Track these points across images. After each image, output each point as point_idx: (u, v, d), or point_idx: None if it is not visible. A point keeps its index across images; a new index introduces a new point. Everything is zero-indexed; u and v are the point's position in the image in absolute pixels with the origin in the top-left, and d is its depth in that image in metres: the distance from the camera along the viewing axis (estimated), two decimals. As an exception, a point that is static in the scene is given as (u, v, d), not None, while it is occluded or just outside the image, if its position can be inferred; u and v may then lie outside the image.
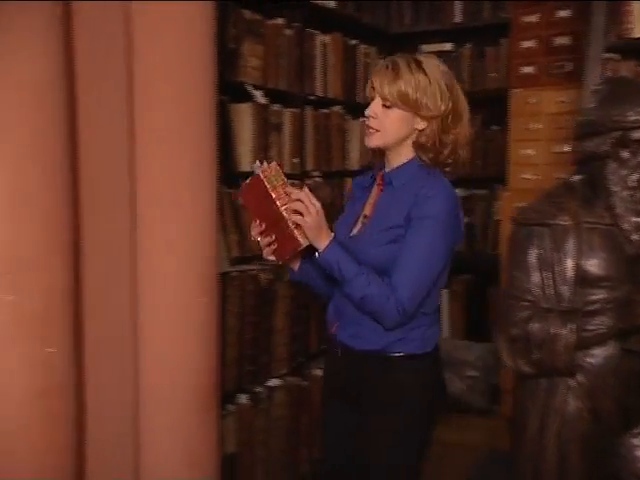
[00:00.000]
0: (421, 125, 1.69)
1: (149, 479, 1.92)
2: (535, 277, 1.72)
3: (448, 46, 3.97)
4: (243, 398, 2.75)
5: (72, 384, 1.64)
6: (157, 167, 1.90)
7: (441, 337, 3.98)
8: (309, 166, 3.25)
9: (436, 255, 1.66)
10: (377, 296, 1.63)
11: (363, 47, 3.61)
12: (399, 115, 1.67)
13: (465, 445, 3.40)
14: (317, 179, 3.30)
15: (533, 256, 1.73)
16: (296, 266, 1.87)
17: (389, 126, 1.69)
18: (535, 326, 1.68)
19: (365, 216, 1.77)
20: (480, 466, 3.22)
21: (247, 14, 2.76)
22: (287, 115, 3.04)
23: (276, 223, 1.65)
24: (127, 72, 1.87)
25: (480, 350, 3.78)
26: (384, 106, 1.68)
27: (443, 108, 1.67)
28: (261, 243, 1.73)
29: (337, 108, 3.43)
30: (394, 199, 1.71)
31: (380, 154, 1.80)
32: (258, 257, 2.89)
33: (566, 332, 1.65)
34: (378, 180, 1.78)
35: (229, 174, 2.65)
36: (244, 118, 2.81)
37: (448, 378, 3.82)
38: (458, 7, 3.91)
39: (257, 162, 1.67)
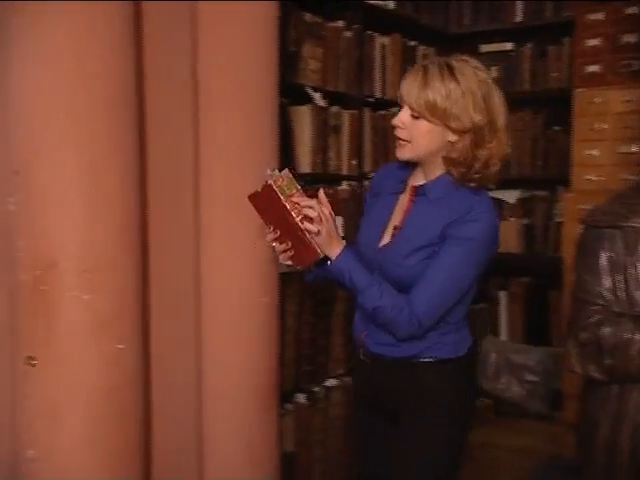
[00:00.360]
0: (453, 138, 1.55)
1: (212, 479, 1.91)
2: (606, 281, 1.64)
3: (508, 46, 3.86)
4: (301, 397, 2.74)
5: (140, 382, 1.65)
6: (220, 167, 1.90)
7: (498, 340, 3.94)
8: (367, 167, 3.21)
9: (464, 277, 1.58)
10: (390, 307, 1.55)
11: (422, 48, 3.55)
12: (428, 127, 1.54)
13: (524, 450, 3.31)
14: (375, 180, 3.27)
15: (604, 259, 1.65)
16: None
17: (419, 138, 1.55)
18: (607, 330, 1.60)
19: (395, 227, 1.66)
20: (540, 472, 3.12)
21: (307, 17, 2.74)
22: (346, 117, 3.01)
23: (292, 232, 1.56)
24: (192, 71, 1.86)
25: (540, 354, 3.67)
26: (412, 116, 1.54)
27: (476, 120, 1.52)
28: (277, 249, 1.62)
29: (395, 109, 3.37)
30: (428, 214, 1.60)
31: (413, 164, 1.66)
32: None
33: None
34: (410, 191, 1.66)
35: (289, 175, 2.64)
36: (303, 120, 2.78)
37: (506, 382, 3.79)
38: (519, 6, 3.80)
39: (268, 170, 1.56)
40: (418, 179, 1.66)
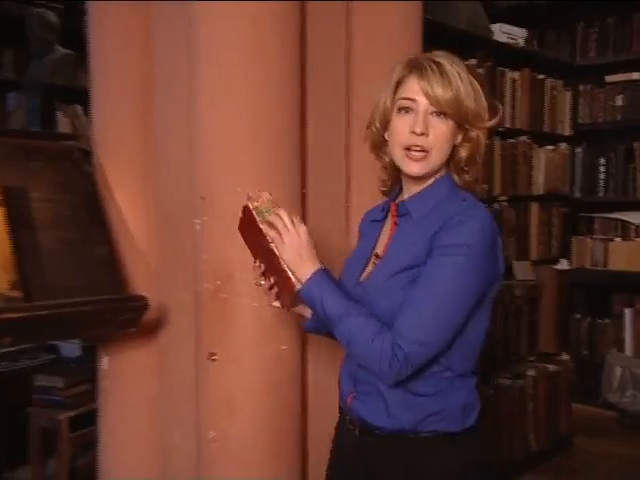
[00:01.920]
0: (458, 139, 1.22)
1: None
2: None
3: (635, 75, 3.65)
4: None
5: (299, 380, 1.68)
6: (371, 179, 1.88)
7: (622, 355, 3.68)
8: (496, 191, 3.15)
9: (462, 292, 1.14)
10: (368, 338, 1.13)
11: (550, 80, 3.43)
12: (451, 128, 1.19)
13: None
14: (503, 203, 3.19)
15: None
16: (308, 312, 1.36)
17: (443, 143, 1.19)
18: None
19: (377, 255, 1.28)
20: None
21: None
22: (477, 145, 2.97)
23: (271, 263, 1.25)
24: (346, 70, 1.83)
25: (666, 370, 3.40)
26: (434, 117, 1.19)
27: (488, 117, 1.23)
28: (263, 287, 1.30)
29: (524, 138, 3.29)
30: (413, 233, 1.21)
31: (394, 180, 1.31)
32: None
33: None
34: (392, 211, 1.28)
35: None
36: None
37: (631, 395, 3.53)
38: (645, 37, 3.59)
39: (249, 193, 1.29)
40: (400, 197, 1.30)
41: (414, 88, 1.18)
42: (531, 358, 3.27)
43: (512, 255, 3.23)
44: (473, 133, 1.21)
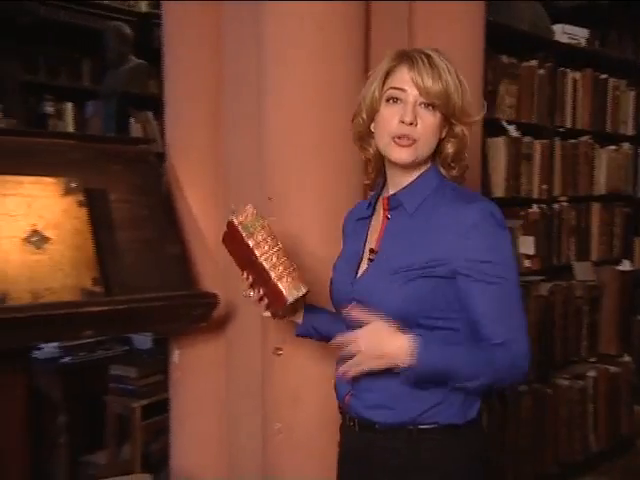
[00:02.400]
0: (443, 134, 1.19)
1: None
2: None
3: (701, 73, 3.47)
4: (493, 400, 2.64)
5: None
6: None
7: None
8: (556, 191, 3.05)
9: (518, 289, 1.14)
10: (504, 372, 1.10)
11: (612, 80, 3.30)
12: (439, 119, 1.16)
13: None
14: (564, 203, 3.10)
15: None
16: (299, 318, 1.34)
17: (430, 134, 1.16)
18: None
19: (372, 251, 1.23)
20: None
21: (504, 58, 2.67)
22: (537, 146, 2.89)
23: (259, 275, 1.22)
24: None
25: None
26: (423, 108, 1.15)
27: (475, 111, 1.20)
28: (252, 298, 1.27)
29: (585, 138, 3.18)
30: (410, 228, 1.17)
31: (378, 173, 1.27)
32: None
33: None
34: (384, 205, 1.24)
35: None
36: (498, 150, 2.72)
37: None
38: None
39: (232, 205, 1.26)
40: (391, 190, 1.24)
41: (404, 78, 1.15)
42: (592, 359, 3.17)
43: (572, 256, 3.13)
44: (458, 128, 1.18)
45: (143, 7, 4.75)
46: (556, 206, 3.03)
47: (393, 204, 1.21)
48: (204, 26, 1.88)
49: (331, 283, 1.28)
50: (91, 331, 1.60)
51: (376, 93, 1.17)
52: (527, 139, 2.83)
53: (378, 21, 1.71)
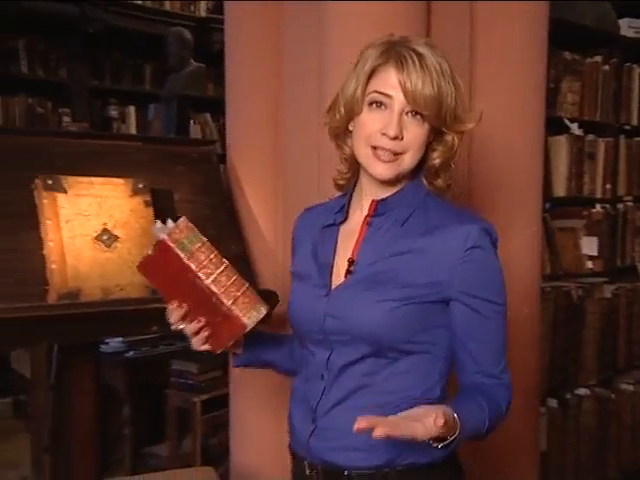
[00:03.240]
0: (430, 140, 1.05)
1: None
2: None
3: None
4: (553, 402, 2.57)
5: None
6: (487, 195, 1.84)
7: None
8: (621, 191, 2.95)
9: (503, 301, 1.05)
10: (498, 412, 1.03)
11: (682, 76, 3.16)
12: (428, 130, 1.02)
13: None
14: (628, 203, 2.98)
15: None
16: (239, 349, 1.17)
17: (416, 148, 1.02)
18: None
19: (351, 261, 1.05)
20: None
21: (567, 55, 2.60)
22: (601, 144, 2.80)
23: (203, 302, 1.02)
24: (470, 70, 1.78)
25: None
26: (410, 118, 1.01)
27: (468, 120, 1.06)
28: (186, 331, 1.06)
29: (655, 136, 3.06)
30: (403, 241, 1.03)
31: (354, 174, 1.11)
32: (570, 275, 2.70)
33: None
34: (369, 210, 1.07)
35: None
36: (560, 148, 2.65)
37: None
38: None
39: (158, 222, 1.03)
40: (367, 199, 1.08)
41: (391, 82, 0.99)
42: (658, 364, 3.04)
43: (637, 257, 3.01)
44: (449, 137, 1.04)
45: (202, 12, 4.85)
46: (620, 206, 2.93)
47: (381, 210, 1.06)
48: (265, 26, 1.89)
49: (291, 300, 1.11)
50: (157, 326, 1.63)
51: (358, 92, 1.02)
52: (590, 137, 2.75)
53: (439, 20, 1.69)
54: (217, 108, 4.14)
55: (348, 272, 1.05)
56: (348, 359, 1.02)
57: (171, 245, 0.99)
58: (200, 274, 1.00)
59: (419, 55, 0.99)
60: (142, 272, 1.06)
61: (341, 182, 1.14)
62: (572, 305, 2.60)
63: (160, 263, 1.02)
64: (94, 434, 1.77)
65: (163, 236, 1.00)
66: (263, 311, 1.04)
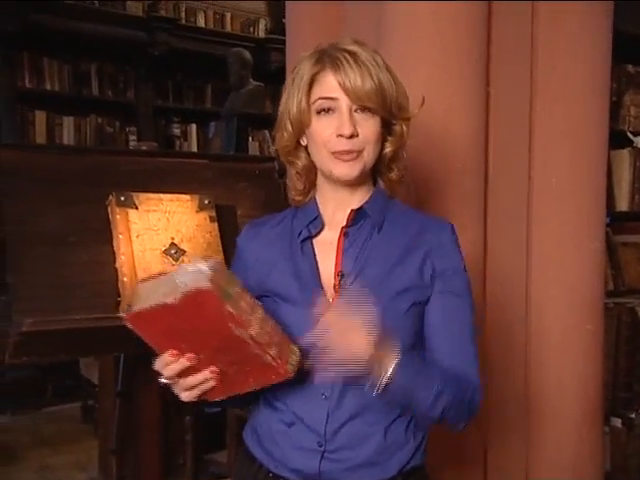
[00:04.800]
0: (389, 133, 1.06)
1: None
2: None
3: None
4: (617, 422, 2.46)
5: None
6: (552, 205, 1.79)
7: None
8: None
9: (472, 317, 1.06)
10: (460, 401, 0.99)
11: None
12: (379, 124, 1.02)
13: None
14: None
15: None
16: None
17: (373, 142, 1.02)
18: None
19: (341, 274, 1.02)
20: None
21: (629, 68, 2.52)
22: (665, 157, 2.68)
23: (230, 350, 0.88)
24: (530, 77, 1.76)
25: None
26: (359, 114, 1.01)
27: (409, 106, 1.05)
28: (188, 383, 0.92)
29: None
30: (385, 246, 1.03)
31: (311, 187, 1.09)
32: (633, 291, 2.59)
33: None
34: (347, 220, 1.04)
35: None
36: (622, 162, 2.56)
37: None
38: None
39: (180, 267, 0.85)
40: (334, 208, 1.06)
41: (331, 85, 0.99)
42: None
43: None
44: (397, 126, 1.05)
45: (261, 33, 4.95)
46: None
47: (357, 219, 1.04)
48: (323, 26, 1.89)
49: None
50: (220, 338, 1.66)
51: (303, 105, 1.01)
52: (655, 150, 2.64)
53: (499, 21, 1.66)
54: (275, 125, 4.21)
55: (338, 286, 1.02)
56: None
57: (215, 294, 0.82)
58: (242, 321, 0.84)
59: (351, 53, 0.99)
60: (134, 324, 0.87)
61: (298, 198, 1.12)
62: (636, 322, 2.49)
63: (180, 313, 0.84)
64: (158, 439, 1.81)
65: (204, 284, 0.81)
66: (297, 352, 0.93)
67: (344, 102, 0.99)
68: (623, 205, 2.54)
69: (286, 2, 2.02)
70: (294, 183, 1.11)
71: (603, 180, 1.83)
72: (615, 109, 2.48)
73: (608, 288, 2.51)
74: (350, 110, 1.00)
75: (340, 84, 0.98)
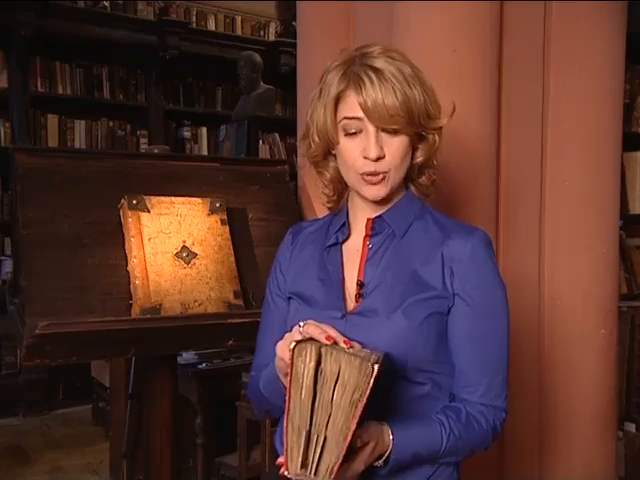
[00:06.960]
0: (420, 144, 1.05)
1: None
2: None
3: None
4: (631, 427, 2.44)
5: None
6: (564, 208, 1.77)
7: None
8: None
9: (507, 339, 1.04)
10: (479, 436, 1.00)
11: None
12: (406, 142, 1.01)
13: None
14: None
15: None
16: None
17: (400, 161, 1.01)
18: None
19: (360, 284, 1.03)
20: None
21: (643, 69, 2.50)
22: (680, 159, 2.66)
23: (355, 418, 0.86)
24: (543, 79, 1.74)
25: None
26: (386, 134, 1.00)
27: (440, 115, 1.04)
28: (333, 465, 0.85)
29: None
30: (406, 255, 1.02)
31: (341, 194, 1.11)
32: (647, 294, 2.57)
33: None
34: (366, 229, 1.06)
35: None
36: (635, 164, 2.54)
37: None
38: None
39: (372, 363, 0.85)
40: (363, 216, 1.07)
41: (356, 106, 0.98)
42: None
43: None
44: (429, 136, 1.04)
45: (272, 36, 4.96)
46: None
47: (378, 228, 1.05)
48: (335, 28, 1.89)
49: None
50: (232, 340, 1.66)
51: (329, 123, 1.01)
52: (668, 152, 2.62)
53: (511, 21, 1.65)
54: (285, 128, 4.21)
55: (359, 295, 1.03)
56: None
57: (370, 382, 0.85)
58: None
59: (375, 70, 0.97)
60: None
61: (330, 205, 1.13)
62: (650, 326, 2.47)
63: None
64: (169, 442, 1.81)
65: (375, 365, 0.85)
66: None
67: (369, 122, 0.99)
68: (636, 208, 2.53)
69: (297, 5, 2.03)
70: (325, 190, 1.13)
71: (616, 182, 1.81)
72: (628, 111, 2.46)
73: (621, 291, 2.49)
74: (376, 131, 0.99)
75: (361, 105, 0.97)
